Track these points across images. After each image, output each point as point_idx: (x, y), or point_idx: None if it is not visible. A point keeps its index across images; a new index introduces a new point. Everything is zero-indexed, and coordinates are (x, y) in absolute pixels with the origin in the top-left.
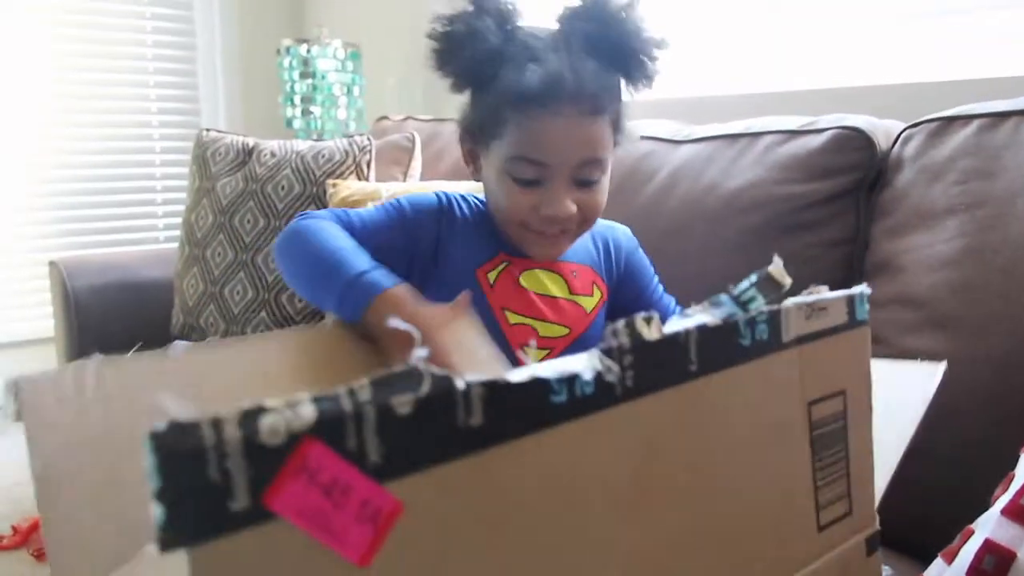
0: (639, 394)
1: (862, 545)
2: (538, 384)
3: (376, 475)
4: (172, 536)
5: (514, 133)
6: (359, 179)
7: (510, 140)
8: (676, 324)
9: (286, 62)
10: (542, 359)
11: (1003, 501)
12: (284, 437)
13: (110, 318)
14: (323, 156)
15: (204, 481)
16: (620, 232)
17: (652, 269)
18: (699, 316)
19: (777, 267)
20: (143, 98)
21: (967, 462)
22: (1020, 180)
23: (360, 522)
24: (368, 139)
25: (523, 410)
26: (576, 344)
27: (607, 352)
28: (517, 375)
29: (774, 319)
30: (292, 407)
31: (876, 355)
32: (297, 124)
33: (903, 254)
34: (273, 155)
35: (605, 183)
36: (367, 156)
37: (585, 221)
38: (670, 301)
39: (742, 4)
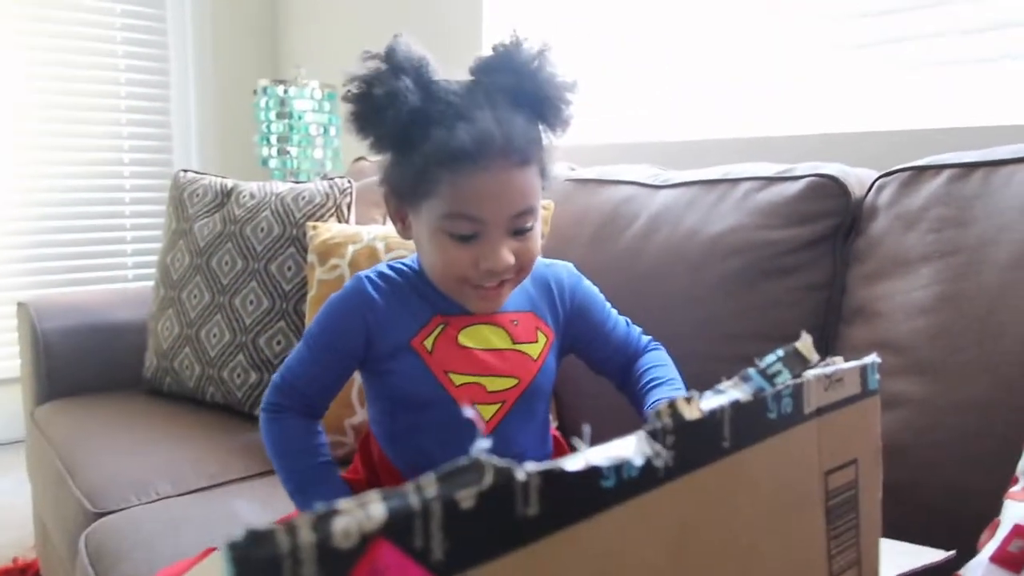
0: (678, 473)
1: None
2: (591, 471)
3: (438, 572)
4: None
5: (448, 191)
6: (339, 221)
7: (444, 198)
8: (711, 401)
9: (263, 102)
10: (494, 414)
11: (991, 548)
12: (356, 539)
13: (80, 360)
14: (303, 198)
15: None
16: (561, 269)
17: (602, 297)
18: (731, 392)
19: (804, 343)
20: (115, 136)
21: (952, 508)
22: (992, 230)
23: None
24: (348, 181)
25: (576, 497)
26: (527, 393)
27: (652, 435)
28: (572, 463)
29: (797, 392)
30: (363, 507)
31: None
32: (273, 164)
33: (880, 300)
34: (252, 197)
35: (538, 229)
36: (347, 198)
37: (522, 269)
38: (626, 325)
39: (720, 52)
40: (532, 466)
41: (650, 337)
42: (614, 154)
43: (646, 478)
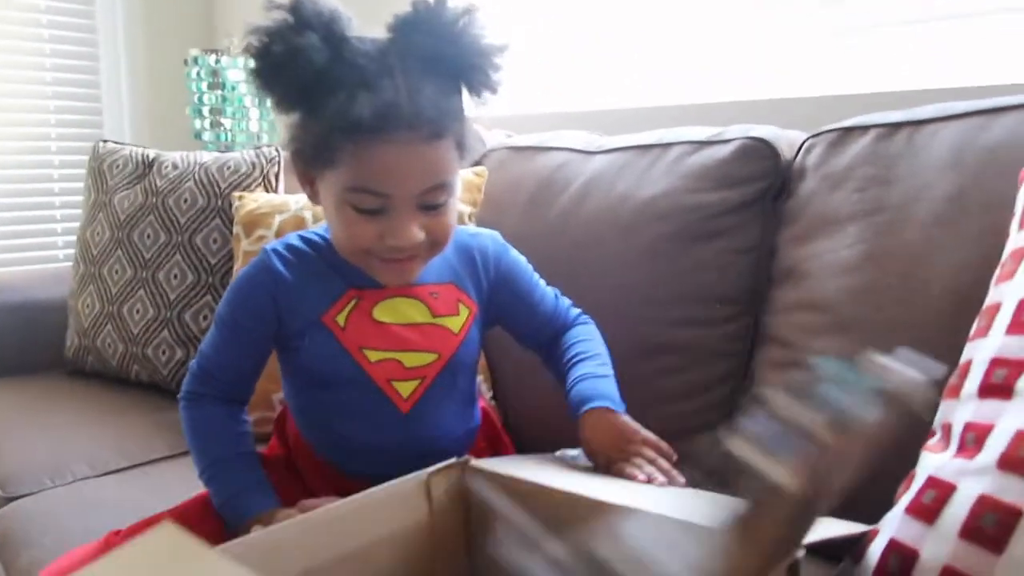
0: None
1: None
2: None
3: None
4: None
5: (350, 163)
6: (267, 191)
7: (347, 170)
8: None
9: (194, 72)
10: (413, 391)
11: (906, 499)
12: None
13: None
14: (229, 168)
15: None
16: (486, 238)
17: (530, 268)
18: None
19: None
20: (41, 109)
21: (878, 464)
22: (914, 188)
23: None
24: (276, 150)
25: None
26: (448, 368)
27: None
28: None
29: None
30: None
31: (783, 359)
32: (207, 136)
33: (808, 260)
34: (175, 167)
35: (452, 204)
36: (275, 167)
37: (435, 244)
38: (555, 297)
39: (652, 22)
40: None
41: (579, 310)
42: (552, 123)
43: None
